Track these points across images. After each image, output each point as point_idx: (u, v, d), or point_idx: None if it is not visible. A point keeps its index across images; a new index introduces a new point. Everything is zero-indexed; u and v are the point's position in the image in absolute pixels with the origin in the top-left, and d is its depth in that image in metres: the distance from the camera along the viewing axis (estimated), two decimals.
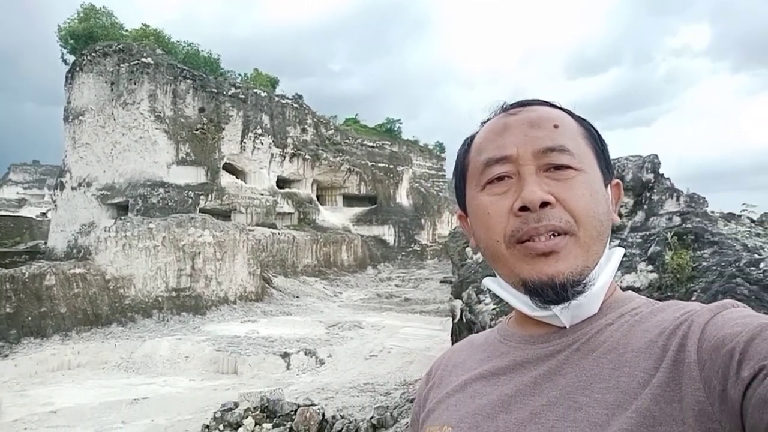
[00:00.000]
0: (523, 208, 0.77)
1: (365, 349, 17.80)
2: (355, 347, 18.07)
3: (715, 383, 0.62)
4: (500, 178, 0.81)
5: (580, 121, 0.87)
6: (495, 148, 0.83)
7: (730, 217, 8.66)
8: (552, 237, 0.76)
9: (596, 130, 0.87)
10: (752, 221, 8.61)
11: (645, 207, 10.47)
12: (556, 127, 0.82)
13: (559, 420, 0.72)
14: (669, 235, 7.15)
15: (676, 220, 7.91)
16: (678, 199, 9.54)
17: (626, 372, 0.70)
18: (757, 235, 7.21)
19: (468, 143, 0.91)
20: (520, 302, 0.81)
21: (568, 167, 0.79)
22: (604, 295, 0.80)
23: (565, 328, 0.80)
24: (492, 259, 0.83)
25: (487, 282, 0.89)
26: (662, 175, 10.18)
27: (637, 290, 10.24)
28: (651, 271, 8.85)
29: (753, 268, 5.36)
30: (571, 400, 0.72)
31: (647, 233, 9.77)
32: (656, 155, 10.42)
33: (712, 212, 9.04)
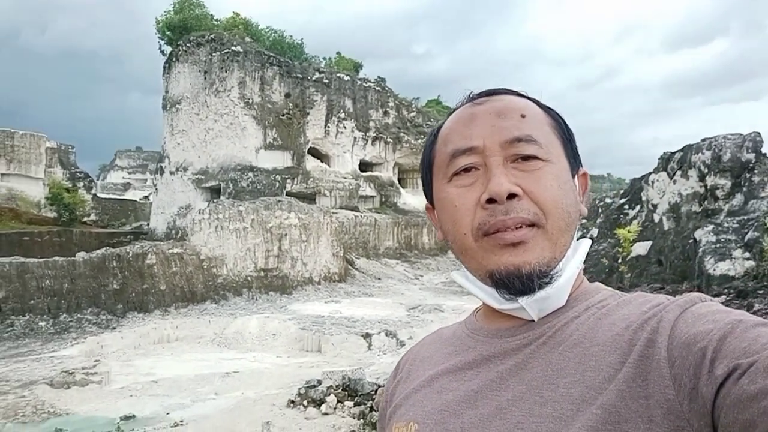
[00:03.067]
0: (491, 200, 0.76)
1: None
2: (435, 330, 18.12)
3: (686, 381, 0.61)
4: (467, 170, 0.81)
5: (547, 110, 0.85)
6: (461, 138, 0.82)
7: None
8: (519, 228, 0.75)
9: (563, 120, 0.86)
10: None
11: (744, 189, 9.67)
12: (523, 116, 0.81)
13: (524, 415, 0.71)
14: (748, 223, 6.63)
15: None
16: None
17: (592, 366, 0.69)
18: None
19: (435, 134, 0.90)
20: (488, 295, 0.81)
21: (536, 158, 0.78)
22: (571, 287, 0.79)
23: (533, 321, 0.79)
24: (460, 252, 0.83)
25: (455, 276, 0.89)
26: (765, 154, 9.39)
27: (732, 279, 9.53)
28: (747, 259, 8.20)
29: None
30: (536, 395, 0.72)
31: (745, 218, 9.03)
32: (759, 133, 9.59)
33: None
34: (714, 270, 7.93)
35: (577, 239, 0.82)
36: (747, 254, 7.12)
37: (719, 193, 10.23)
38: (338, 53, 44.53)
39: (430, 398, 0.84)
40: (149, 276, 20.50)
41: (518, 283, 0.75)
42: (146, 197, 51.32)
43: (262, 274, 23.35)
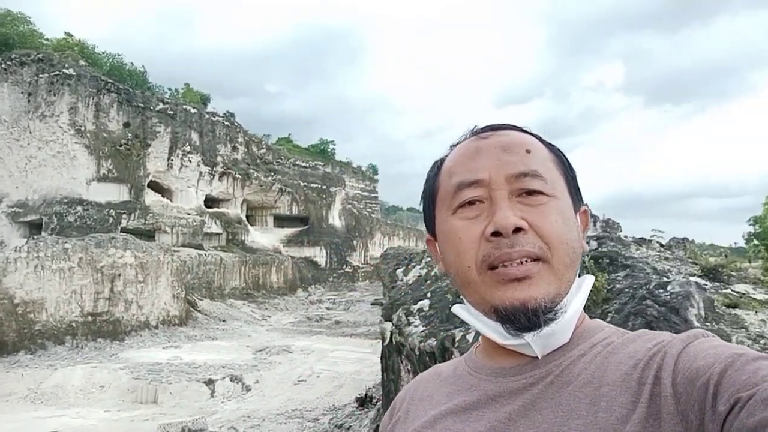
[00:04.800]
0: (496, 233, 0.75)
1: (294, 374, 17.44)
2: (284, 372, 17.67)
3: (692, 417, 0.62)
4: (472, 203, 0.79)
5: (550, 146, 0.86)
6: (467, 171, 0.81)
7: (641, 242, 9.11)
8: (525, 263, 0.74)
9: (565, 156, 0.87)
10: (661, 246, 9.08)
11: None
12: (528, 152, 0.81)
13: None
14: (586, 259, 7.44)
15: (593, 244, 8.26)
16: (594, 224, 9.97)
17: (603, 407, 0.68)
18: (666, 259, 7.64)
19: (438, 166, 0.88)
20: (492, 330, 0.78)
21: (541, 193, 0.78)
22: (575, 324, 0.79)
23: (537, 359, 0.78)
24: (462, 286, 0.80)
25: (456, 310, 0.86)
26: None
27: None
28: None
29: (661, 291, 5.63)
30: None
31: None
32: None
33: (625, 237, 9.46)
34: None
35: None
36: None
37: None
38: (186, 84, 43.02)
39: None
40: None
41: (524, 319, 0.73)
42: None
43: (90, 319, 21.12)
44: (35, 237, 23.99)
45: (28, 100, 30.41)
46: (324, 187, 47.22)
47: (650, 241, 8.62)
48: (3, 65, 30.89)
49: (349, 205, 51.31)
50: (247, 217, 41.47)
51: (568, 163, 0.86)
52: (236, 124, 41.31)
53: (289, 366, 18.36)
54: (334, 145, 58.33)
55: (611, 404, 0.68)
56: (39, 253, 20.91)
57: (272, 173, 42.56)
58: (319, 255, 44.23)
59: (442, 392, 0.88)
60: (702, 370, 0.64)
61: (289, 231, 44.13)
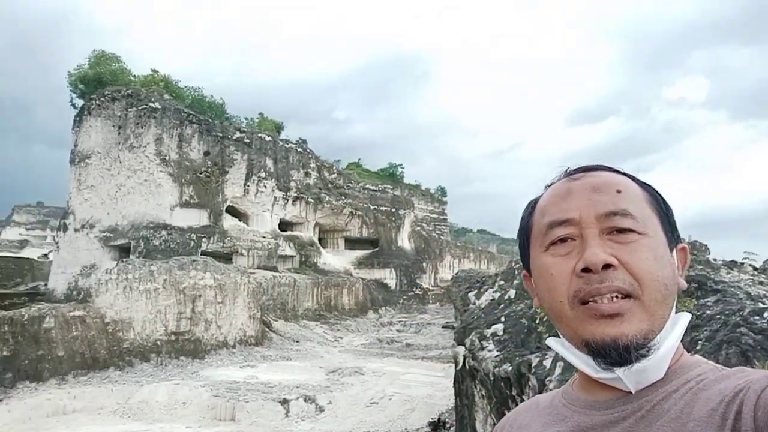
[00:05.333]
0: (586, 270, 0.78)
1: (366, 396, 17.46)
2: (356, 394, 17.73)
3: None
4: (563, 240, 0.83)
5: (644, 186, 0.88)
6: (558, 211, 0.85)
7: (732, 265, 8.52)
8: (615, 299, 0.76)
9: (660, 195, 0.88)
10: (755, 269, 8.48)
11: None
12: (618, 192, 0.83)
13: None
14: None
15: None
16: None
17: None
18: (760, 283, 7.14)
19: (532, 206, 0.93)
20: (584, 363, 0.81)
21: (631, 231, 0.80)
22: (669, 361, 0.80)
23: (630, 393, 0.79)
24: (556, 319, 0.84)
25: (551, 342, 0.89)
26: None
27: None
28: None
29: (757, 318, 5.28)
30: None
31: None
32: None
33: (714, 260, 8.90)
34: None
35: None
36: None
37: None
38: (260, 114, 44.74)
39: None
40: (46, 341, 18.82)
41: (615, 354, 0.76)
42: (45, 255, 47.80)
43: (173, 337, 22.09)
44: (124, 260, 25.49)
45: (119, 133, 32.55)
46: (393, 209, 47.53)
47: (742, 264, 8.11)
48: (97, 101, 33.37)
49: (419, 228, 51.28)
50: (319, 239, 42.32)
51: (664, 201, 0.88)
52: (308, 150, 42.52)
53: (361, 388, 18.42)
54: (403, 168, 58.62)
55: None
56: (127, 275, 22.17)
57: (343, 197, 43.36)
58: (389, 277, 44.34)
59: (539, 422, 0.91)
60: None
61: (359, 253, 44.61)
